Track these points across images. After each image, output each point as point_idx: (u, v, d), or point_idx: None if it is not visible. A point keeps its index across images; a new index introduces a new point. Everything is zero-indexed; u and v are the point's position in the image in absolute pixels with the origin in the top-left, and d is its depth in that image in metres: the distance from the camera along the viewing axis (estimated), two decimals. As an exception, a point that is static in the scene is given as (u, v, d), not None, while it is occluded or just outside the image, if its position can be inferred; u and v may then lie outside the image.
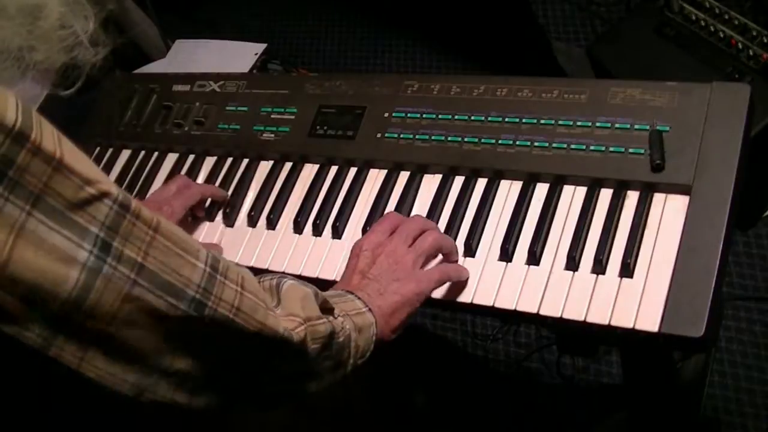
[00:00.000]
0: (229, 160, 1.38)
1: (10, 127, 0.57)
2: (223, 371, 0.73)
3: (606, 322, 0.97)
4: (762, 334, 1.84)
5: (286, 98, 1.37)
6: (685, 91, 1.08)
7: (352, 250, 1.04)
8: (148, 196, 1.30)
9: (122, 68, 1.67)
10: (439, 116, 1.22)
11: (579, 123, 1.12)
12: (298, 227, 1.23)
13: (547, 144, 1.13)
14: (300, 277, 1.15)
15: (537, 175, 1.12)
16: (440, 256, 1.07)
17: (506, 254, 1.07)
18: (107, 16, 0.77)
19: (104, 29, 0.76)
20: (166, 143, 1.44)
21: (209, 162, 1.39)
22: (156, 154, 1.45)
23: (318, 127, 1.31)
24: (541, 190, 1.12)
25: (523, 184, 1.13)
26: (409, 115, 1.24)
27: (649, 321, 0.94)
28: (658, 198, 1.04)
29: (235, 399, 0.76)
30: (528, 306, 1.02)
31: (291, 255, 1.21)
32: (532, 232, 1.07)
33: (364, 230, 1.18)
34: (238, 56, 2.11)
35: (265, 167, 1.33)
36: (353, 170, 1.26)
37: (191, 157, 1.41)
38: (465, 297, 1.06)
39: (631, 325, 0.95)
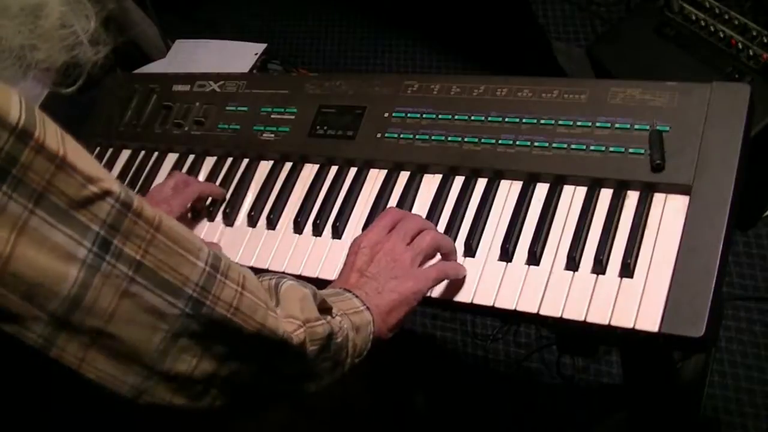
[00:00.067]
0: (229, 160, 1.38)
1: (13, 124, 0.57)
2: (222, 373, 0.73)
3: (606, 322, 0.97)
4: (762, 334, 1.84)
5: (286, 98, 1.37)
6: (685, 91, 1.08)
7: (350, 247, 1.04)
8: (146, 194, 1.30)
9: (122, 68, 1.68)
10: (439, 116, 1.22)
11: (579, 123, 1.12)
12: (298, 227, 1.23)
13: (547, 144, 1.13)
14: (300, 278, 1.16)
15: (537, 175, 1.12)
16: (438, 256, 1.07)
17: (506, 254, 1.07)
18: (108, 15, 0.77)
19: (105, 28, 0.76)
20: (166, 143, 1.44)
21: (209, 162, 1.39)
22: (156, 154, 1.45)
23: (318, 127, 1.31)
24: (541, 190, 1.12)
25: (523, 184, 1.13)
26: (409, 115, 1.24)
27: (649, 321, 0.94)
28: (658, 198, 1.04)
29: (234, 401, 0.76)
30: (528, 306, 1.02)
31: (291, 255, 1.21)
32: (532, 232, 1.07)
33: (365, 230, 1.17)
34: (238, 56, 2.12)
35: (265, 167, 1.33)
36: (353, 170, 1.26)
37: (191, 157, 1.41)
38: (465, 297, 1.06)
39: (631, 325, 0.95)
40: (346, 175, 1.26)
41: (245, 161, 1.36)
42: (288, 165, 1.32)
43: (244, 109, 1.39)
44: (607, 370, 1.89)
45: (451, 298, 1.07)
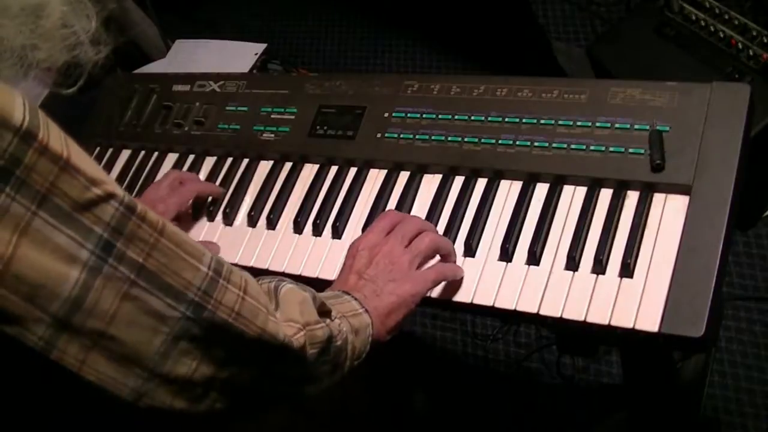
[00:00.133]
0: (229, 160, 1.38)
1: (17, 126, 0.57)
2: (222, 376, 0.73)
3: (606, 322, 0.97)
4: (762, 334, 1.84)
5: (286, 98, 1.37)
6: (685, 91, 1.08)
7: (348, 250, 1.04)
8: (142, 194, 1.30)
9: (123, 68, 1.68)
10: (439, 116, 1.22)
11: (579, 123, 1.12)
12: (298, 227, 1.23)
13: (547, 144, 1.13)
14: (300, 278, 1.16)
15: (537, 175, 1.12)
16: (437, 257, 1.07)
17: (506, 254, 1.07)
18: (109, 15, 0.77)
19: (106, 28, 0.77)
20: (166, 143, 1.44)
21: (209, 162, 1.39)
22: (156, 154, 1.45)
23: (318, 127, 1.31)
24: (541, 190, 1.12)
25: (523, 184, 1.13)
26: (409, 115, 1.24)
27: (649, 321, 0.94)
28: (658, 198, 1.04)
29: (234, 404, 0.76)
30: (528, 306, 1.02)
31: (291, 255, 1.21)
32: (532, 232, 1.07)
33: (364, 230, 1.17)
34: (238, 56, 2.12)
35: (265, 167, 1.33)
36: (353, 170, 1.26)
37: (191, 157, 1.41)
38: (465, 297, 1.06)
39: (631, 325, 0.95)
40: (346, 175, 1.26)
41: (245, 161, 1.36)
42: (288, 165, 1.32)
43: (244, 109, 1.39)
44: (607, 370, 1.89)
45: (451, 298, 1.07)
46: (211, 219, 1.31)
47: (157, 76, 1.67)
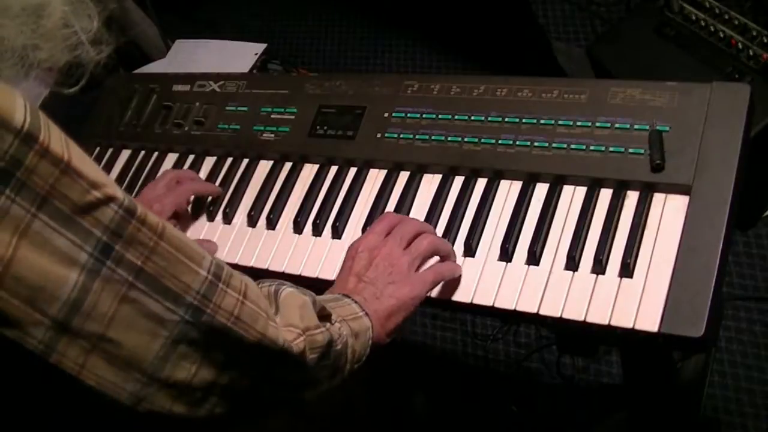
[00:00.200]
0: (229, 160, 1.38)
1: (18, 128, 0.57)
2: (221, 381, 0.72)
3: (606, 322, 0.97)
4: (762, 334, 1.84)
5: (286, 98, 1.37)
6: (685, 91, 1.08)
7: (347, 252, 1.04)
8: (139, 194, 1.30)
9: (123, 68, 1.68)
10: (439, 116, 1.22)
11: (579, 123, 1.12)
12: (298, 227, 1.23)
13: (547, 144, 1.13)
14: (299, 277, 1.16)
15: (537, 175, 1.13)
16: (436, 258, 1.07)
17: (506, 254, 1.07)
18: (110, 15, 0.77)
19: (107, 28, 0.77)
20: (166, 143, 1.44)
21: (209, 162, 1.39)
22: (156, 154, 1.45)
23: (318, 127, 1.31)
24: (541, 190, 1.12)
25: (523, 184, 1.13)
26: (409, 115, 1.24)
27: (649, 321, 0.94)
28: (658, 198, 1.04)
29: (233, 408, 0.76)
30: (528, 306, 1.02)
31: (291, 255, 1.21)
32: (532, 232, 1.07)
33: (364, 230, 1.18)
34: (238, 56, 2.12)
35: (265, 167, 1.33)
36: (353, 170, 1.26)
37: (191, 157, 1.41)
38: (465, 297, 1.06)
39: (630, 325, 0.95)
40: (346, 175, 1.26)
41: (245, 161, 1.36)
42: (288, 165, 1.32)
43: (244, 109, 1.39)
44: (607, 370, 1.89)
45: (451, 298, 1.07)
46: (211, 219, 1.31)
47: (157, 76, 1.67)
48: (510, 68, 1.40)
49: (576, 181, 1.10)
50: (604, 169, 1.08)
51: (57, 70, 0.75)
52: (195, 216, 1.32)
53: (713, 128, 1.04)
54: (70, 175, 0.60)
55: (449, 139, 1.20)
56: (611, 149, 1.09)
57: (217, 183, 1.35)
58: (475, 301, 1.05)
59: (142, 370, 0.67)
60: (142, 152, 1.47)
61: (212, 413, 0.73)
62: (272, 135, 1.34)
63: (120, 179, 1.43)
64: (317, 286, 1.02)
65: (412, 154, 1.21)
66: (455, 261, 1.08)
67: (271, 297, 0.82)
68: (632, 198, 1.06)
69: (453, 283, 1.06)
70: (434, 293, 1.06)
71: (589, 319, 0.98)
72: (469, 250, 1.09)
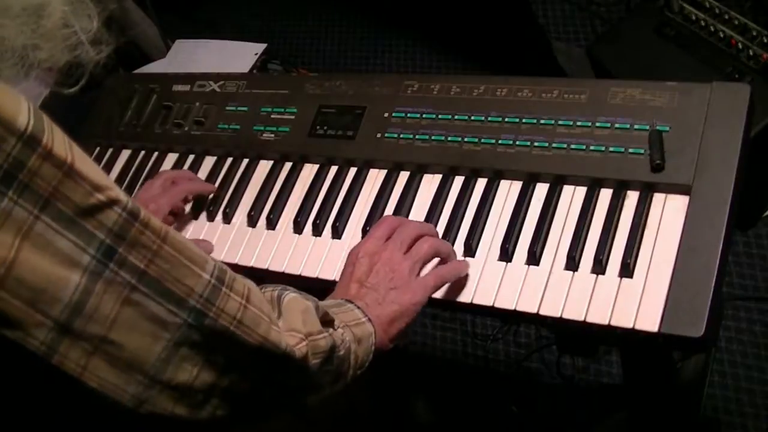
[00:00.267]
0: (229, 160, 1.38)
1: (22, 130, 0.57)
2: (223, 384, 0.72)
3: (606, 322, 0.97)
4: (762, 334, 1.84)
5: (286, 98, 1.37)
6: (685, 91, 1.08)
7: (348, 257, 1.03)
8: (135, 194, 1.30)
9: (122, 68, 1.68)
10: (439, 116, 1.22)
11: (579, 123, 1.12)
12: (298, 227, 1.23)
13: (547, 144, 1.13)
14: (299, 278, 1.16)
15: (537, 175, 1.13)
16: (437, 260, 1.06)
17: (506, 254, 1.07)
18: (109, 15, 0.77)
19: (107, 28, 0.77)
20: (166, 143, 1.44)
21: (209, 162, 1.39)
22: (156, 154, 1.45)
23: (318, 127, 1.31)
24: (541, 190, 1.12)
25: (523, 184, 1.13)
26: (409, 115, 1.24)
27: (649, 321, 0.94)
28: (658, 198, 1.04)
29: (235, 412, 0.76)
30: (528, 306, 1.02)
31: (291, 255, 1.21)
32: (532, 232, 1.07)
33: (364, 230, 1.18)
34: (238, 56, 2.12)
35: (265, 167, 1.33)
36: (353, 170, 1.26)
37: (191, 157, 1.41)
38: (465, 297, 1.06)
39: (630, 325, 0.95)
40: (346, 175, 1.26)
41: (245, 161, 1.36)
42: (288, 165, 1.32)
43: (244, 109, 1.39)
44: (607, 370, 1.89)
45: (451, 298, 1.07)
46: (211, 219, 1.31)
47: (157, 76, 1.67)
48: (510, 68, 1.40)
49: (576, 181, 1.10)
50: (604, 169, 1.08)
51: (57, 70, 0.75)
52: (195, 216, 1.32)
53: (713, 128, 1.04)
54: (73, 177, 0.60)
55: (449, 139, 1.20)
56: (611, 149, 1.09)
57: (217, 183, 1.35)
58: (475, 301, 1.05)
59: (144, 372, 0.67)
60: (142, 152, 1.47)
61: (214, 416, 0.73)
62: (272, 135, 1.34)
63: (120, 179, 1.43)
64: (317, 286, 1.02)
65: (412, 154, 1.21)
66: (457, 261, 1.07)
67: (274, 302, 0.82)
68: (632, 198, 1.06)
69: (453, 283, 1.06)
70: (435, 293, 1.06)
71: (589, 319, 0.98)
72: (469, 250, 1.09)
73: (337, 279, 1.06)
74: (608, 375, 1.89)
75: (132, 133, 1.48)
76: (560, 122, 1.13)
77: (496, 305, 1.04)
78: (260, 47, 2.12)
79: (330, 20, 3.01)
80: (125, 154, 1.49)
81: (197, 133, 1.41)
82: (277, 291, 0.83)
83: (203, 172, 1.38)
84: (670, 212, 1.02)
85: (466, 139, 1.18)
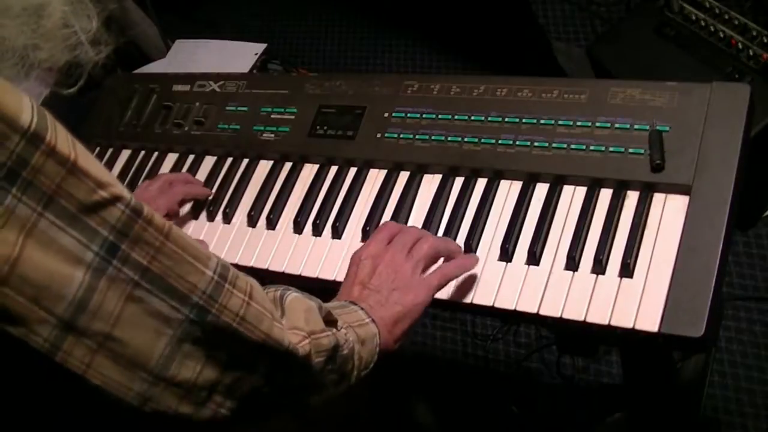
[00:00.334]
0: (229, 160, 1.38)
1: (25, 128, 0.57)
2: (226, 381, 0.72)
3: (606, 322, 0.97)
4: (762, 334, 1.84)
5: (286, 98, 1.37)
6: (685, 91, 1.08)
7: (351, 260, 1.03)
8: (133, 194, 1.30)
9: (122, 68, 1.68)
10: (439, 116, 1.22)
11: (579, 123, 1.12)
12: (298, 227, 1.23)
13: (547, 144, 1.13)
14: (299, 277, 1.16)
15: (537, 175, 1.13)
16: (440, 261, 1.06)
17: (506, 254, 1.07)
18: (109, 15, 0.77)
19: (106, 28, 0.77)
20: (166, 143, 1.44)
21: (209, 162, 1.39)
22: (156, 154, 1.45)
23: (318, 127, 1.31)
24: (541, 190, 1.12)
25: (523, 184, 1.13)
26: (409, 115, 1.24)
27: (649, 321, 0.94)
28: (658, 198, 1.04)
29: (237, 410, 0.76)
30: (528, 306, 1.02)
31: (291, 255, 1.21)
32: (532, 232, 1.07)
33: (364, 230, 1.18)
34: (238, 56, 2.12)
35: (264, 167, 1.34)
36: (353, 170, 1.26)
37: (191, 157, 1.41)
38: (465, 297, 1.06)
39: (631, 325, 0.95)
40: (346, 175, 1.26)
41: (245, 161, 1.36)
42: (288, 165, 1.32)
43: (244, 109, 1.39)
44: (607, 370, 1.89)
45: (451, 298, 1.07)
46: (211, 219, 1.31)
47: (157, 76, 1.67)
48: (510, 68, 1.41)
49: (576, 181, 1.10)
50: (604, 169, 1.08)
51: (57, 70, 0.75)
52: (195, 216, 1.33)
53: (713, 128, 1.04)
54: (76, 174, 0.60)
55: (449, 139, 1.20)
56: (611, 149, 1.09)
57: (217, 183, 1.35)
58: (475, 301, 1.05)
59: (148, 369, 0.67)
60: (142, 152, 1.47)
61: (217, 414, 0.73)
62: (272, 135, 1.34)
63: (120, 179, 1.42)
64: (317, 286, 1.02)
65: (412, 154, 1.21)
66: (462, 257, 1.06)
67: (276, 301, 0.82)
68: (632, 198, 1.06)
69: (454, 283, 1.06)
70: (438, 293, 1.06)
71: (589, 319, 0.98)
72: (469, 250, 1.09)
73: (337, 279, 1.07)
74: (608, 375, 1.89)
75: (132, 133, 1.48)
76: (560, 122, 1.13)
77: (496, 305, 1.04)
78: (260, 47, 2.12)
79: (330, 20, 3.01)
80: (125, 154, 1.49)
81: (197, 133, 1.41)
82: (280, 291, 0.84)
83: (203, 172, 1.38)
84: (670, 212, 1.02)
85: (466, 139, 1.18)
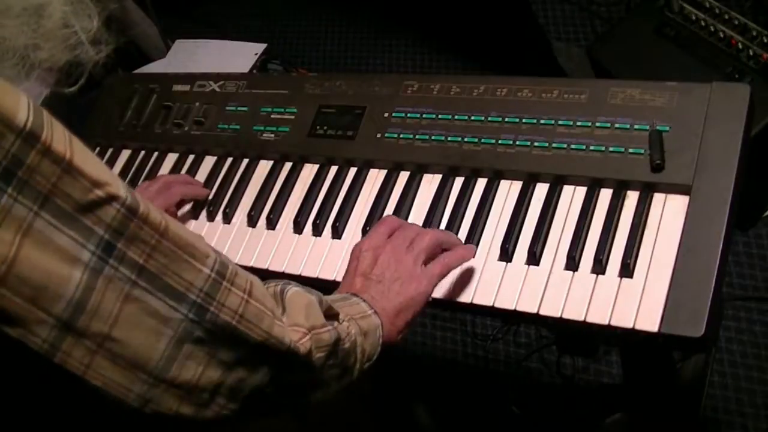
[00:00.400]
0: (229, 160, 1.38)
1: (21, 127, 0.57)
2: (228, 381, 0.72)
3: (606, 322, 0.97)
4: (762, 334, 1.84)
5: (286, 98, 1.37)
6: (685, 91, 1.08)
7: (351, 253, 1.03)
8: None
9: (122, 68, 1.68)
10: (439, 116, 1.22)
11: (579, 123, 1.12)
12: (298, 227, 1.23)
13: (547, 144, 1.13)
14: (299, 278, 1.16)
15: (537, 175, 1.13)
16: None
17: (506, 254, 1.07)
18: (109, 15, 0.77)
19: (107, 28, 0.77)
20: (166, 143, 1.44)
21: (209, 162, 1.39)
22: (156, 154, 1.45)
23: (318, 127, 1.31)
24: (541, 190, 1.12)
25: (523, 184, 1.13)
26: (409, 115, 1.24)
27: (649, 321, 0.94)
28: (658, 198, 1.04)
29: (240, 409, 0.75)
30: (528, 306, 1.02)
31: (291, 255, 1.21)
32: (532, 232, 1.07)
33: (364, 230, 1.18)
34: (238, 56, 2.11)
35: (264, 167, 1.34)
36: (353, 170, 1.26)
37: (191, 157, 1.41)
38: (465, 297, 1.06)
39: (631, 325, 0.95)
40: (346, 175, 1.26)
41: (245, 161, 1.36)
42: (288, 165, 1.32)
43: (244, 109, 1.39)
44: (607, 370, 1.89)
45: (451, 298, 1.07)
46: (211, 219, 1.31)
47: (157, 76, 1.67)
48: (510, 68, 1.41)
49: (576, 181, 1.10)
50: (604, 169, 1.08)
51: (57, 70, 0.75)
52: (195, 216, 1.33)
53: (713, 128, 1.04)
54: (71, 173, 0.60)
55: (449, 139, 1.20)
56: (611, 149, 1.09)
57: (217, 183, 1.35)
58: (475, 301, 1.05)
59: (148, 370, 0.66)
60: (142, 152, 1.47)
61: (220, 414, 0.73)
62: (272, 135, 1.34)
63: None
64: (317, 286, 1.02)
65: (412, 154, 1.21)
66: (462, 247, 1.06)
67: (277, 296, 0.81)
68: (632, 198, 1.06)
69: (453, 283, 1.06)
70: (435, 293, 1.06)
71: (589, 319, 0.98)
72: (469, 250, 1.09)
73: (338, 279, 1.06)
74: (608, 375, 1.89)
75: (132, 133, 1.48)
76: (560, 122, 1.13)
77: (496, 305, 1.04)
78: (260, 47, 2.12)
79: (330, 20, 3.00)
80: (125, 154, 1.49)
81: (197, 133, 1.41)
82: (280, 285, 0.83)
83: (203, 172, 1.38)
84: (670, 212, 1.02)
85: (466, 139, 1.18)
